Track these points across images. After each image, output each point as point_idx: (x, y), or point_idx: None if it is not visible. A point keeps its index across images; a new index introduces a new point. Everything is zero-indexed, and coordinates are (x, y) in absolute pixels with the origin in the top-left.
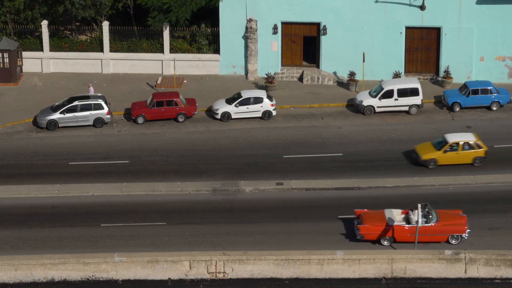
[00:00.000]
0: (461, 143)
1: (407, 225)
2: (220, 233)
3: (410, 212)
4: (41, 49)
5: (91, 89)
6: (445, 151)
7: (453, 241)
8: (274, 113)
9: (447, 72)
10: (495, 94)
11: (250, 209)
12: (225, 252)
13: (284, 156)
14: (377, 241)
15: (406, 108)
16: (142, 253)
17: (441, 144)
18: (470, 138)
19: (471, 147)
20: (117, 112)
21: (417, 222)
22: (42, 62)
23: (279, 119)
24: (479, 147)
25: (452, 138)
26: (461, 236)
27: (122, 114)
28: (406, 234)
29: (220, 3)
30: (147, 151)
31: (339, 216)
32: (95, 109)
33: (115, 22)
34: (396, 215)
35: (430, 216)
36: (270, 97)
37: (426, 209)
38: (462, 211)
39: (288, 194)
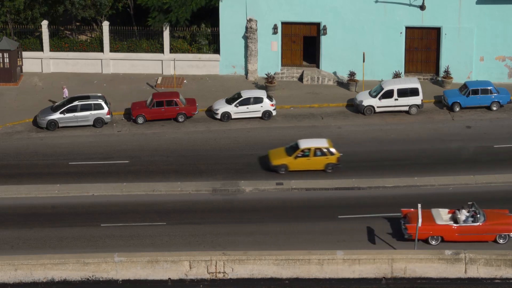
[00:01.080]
0: (313, 149)
1: (455, 225)
2: (220, 233)
3: (457, 211)
4: (41, 49)
5: (65, 91)
6: (296, 157)
7: (501, 241)
8: (274, 113)
9: (447, 72)
10: (495, 94)
11: (250, 209)
12: (225, 252)
13: None
14: (425, 241)
15: (406, 108)
16: (142, 253)
17: (293, 150)
18: (322, 144)
19: (323, 153)
20: (117, 112)
21: (417, 222)
22: (42, 62)
23: (279, 119)
24: (331, 153)
25: (304, 144)
26: (509, 235)
27: (122, 114)
28: (454, 233)
29: (220, 3)
30: (147, 151)
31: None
32: (95, 109)
33: (115, 22)
34: (443, 214)
35: (478, 216)
36: (270, 97)
37: (473, 209)
38: (508, 210)
39: (288, 194)
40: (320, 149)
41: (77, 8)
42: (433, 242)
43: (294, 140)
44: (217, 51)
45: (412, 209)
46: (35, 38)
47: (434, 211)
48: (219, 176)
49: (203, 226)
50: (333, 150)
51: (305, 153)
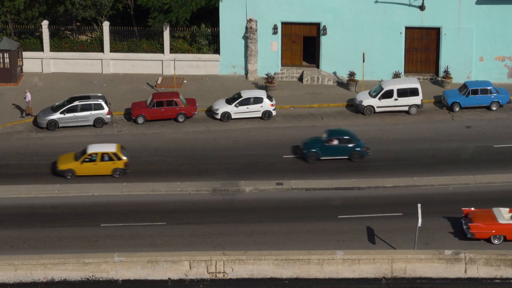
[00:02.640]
0: (100, 153)
1: None
2: (220, 233)
3: None
4: (42, 49)
5: (28, 95)
6: (82, 162)
7: None
8: (274, 113)
9: (446, 72)
10: (495, 94)
11: (250, 209)
12: (225, 252)
13: (284, 156)
14: (487, 240)
15: (406, 108)
16: (142, 253)
17: (81, 154)
18: (110, 149)
19: (110, 158)
20: (117, 112)
21: (417, 221)
22: (43, 62)
23: (279, 119)
24: (119, 158)
25: (91, 148)
26: None
27: (122, 114)
28: None
29: (220, 3)
30: (147, 151)
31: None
32: (95, 109)
33: (116, 22)
34: (504, 213)
35: None
36: (270, 97)
37: None
38: None
39: (288, 194)
40: (107, 154)
41: (78, 8)
42: (496, 241)
43: (294, 140)
44: (217, 51)
45: (473, 208)
46: (35, 38)
47: (495, 210)
48: (219, 176)
49: (203, 226)
50: (121, 155)
51: (92, 158)
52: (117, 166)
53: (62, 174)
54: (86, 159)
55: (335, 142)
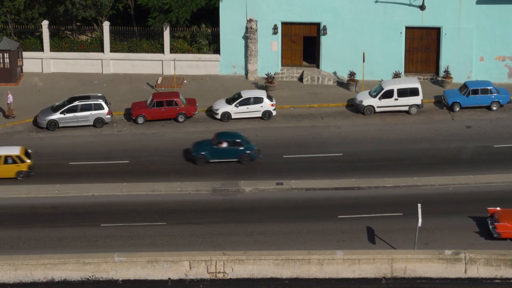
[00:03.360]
0: (3, 156)
1: None
2: (220, 233)
3: None
4: (42, 49)
5: (10, 96)
6: None
7: None
8: (274, 113)
9: (447, 72)
10: (495, 94)
11: (250, 209)
12: (225, 252)
13: (284, 156)
14: None
15: (406, 108)
16: (142, 253)
17: None
18: (14, 152)
19: (14, 161)
20: (117, 112)
21: (417, 221)
22: (43, 62)
23: (279, 119)
24: (22, 161)
25: None
26: None
27: (122, 114)
28: None
29: (220, 3)
30: (147, 151)
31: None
32: (95, 109)
33: (116, 22)
34: None
35: None
36: (270, 97)
37: None
38: None
39: (288, 194)
40: (11, 157)
41: (78, 8)
42: None
43: (294, 140)
44: (217, 51)
45: (498, 208)
46: (35, 38)
47: None
48: (219, 176)
49: (203, 226)
50: (25, 158)
51: None
52: (20, 169)
53: None
54: None
55: (224, 144)
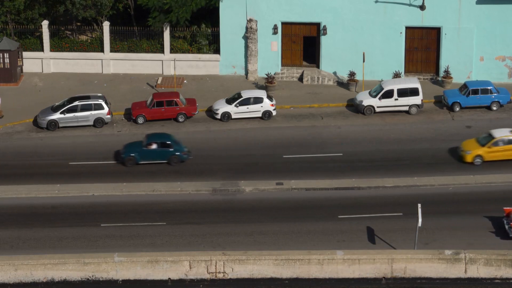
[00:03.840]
0: None
1: None
2: (220, 233)
3: None
4: (42, 49)
5: None
6: None
7: None
8: (274, 113)
9: (447, 72)
10: (495, 94)
11: (250, 209)
12: (225, 252)
13: (284, 156)
14: None
15: (406, 108)
16: (142, 253)
17: None
18: None
19: None
20: (117, 112)
21: (417, 221)
22: (43, 62)
23: (279, 119)
24: None
25: None
26: None
27: (122, 114)
28: None
29: (220, 3)
30: None
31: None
32: (95, 109)
33: (116, 23)
34: None
35: None
36: (270, 97)
37: None
38: None
39: (288, 194)
40: None
41: (78, 8)
42: None
43: (294, 140)
44: (217, 51)
45: None
46: (35, 38)
47: None
48: (219, 176)
49: (203, 226)
50: None
51: None
52: None
53: None
54: None
55: (154, 146)
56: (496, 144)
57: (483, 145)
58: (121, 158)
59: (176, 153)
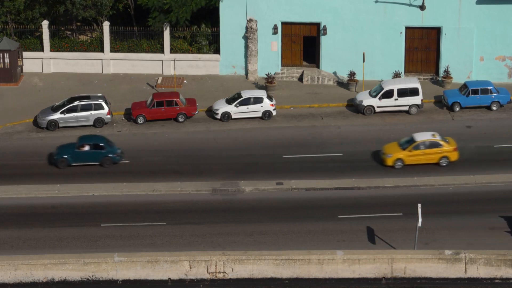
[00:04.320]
0: None
1: None
2: (220, 233)
3: None
4: (42, 49)
5: None
6: None
7: None
8: (274, 113)
9: (447, 72)
10: (495, 94)
11: (250, 209)
12: (225, 252)
13: (284, 156)
14: None
15: (406, 108)
16: (142, 253)
17: None
18: None
19: None
20: (117, 112)
21: (417, 221)
22: (43, 62)
23: (279, 119)
24: None
25: None
26: None
27: (122, 114)
28: None
29: (220, 3)
30: (147, 151)
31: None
32: (95, 109)
33: (116, 23)
34: None
35: None
36: (270, 97)
37: None
38: None
39: (288, 194)
40: None
41: (78, 8)
42: None
43: (294, 140)
44: (217, 51)
45: None
46: (35, 38)
47: None
48: (219, 176)
49: (203, 226)
50: None
51: None
52: None
53: None
54: None
55: (86, 148)
56: (417, 147)
57: (404, 149)
58: (54, 160)
59: (109, 155)
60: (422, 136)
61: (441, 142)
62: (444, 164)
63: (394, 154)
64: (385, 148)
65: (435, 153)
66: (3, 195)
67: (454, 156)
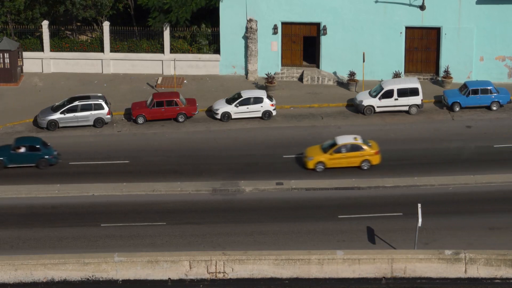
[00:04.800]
0: None
1: None
2: (220, 233)
3: None
4: (42, 49)
5: None
6: None
7: None
8: (274, 113)
9: (447, 72)
10: (495, 94)
11: (250, 209)
12: (225, 252)
13: (284, 156)
14: None
15: (406, 108)
16: (142, 253)
17: None
18: None
19: None
20: (117, 112)
21: (417, 221)
22: (43, 62)
23: (279, 119)
24: None
25: None
26: None
27: (122, 114)
28: None
29: (220, 3)
30: (147, 151)
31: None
32: (95, 109)
33: (116, 23)
34: None
35: None
36: (270, 97)
37: None
38: None
39: (288, 194)
40: None
41: (78, 8)
42: None
43: (294, 140)
44: (217, 51)
45: None
46: (35, 38)
47: None
48: (219, 176)
49: (203, 226)
50: None
51: None
52: None
53: None
54: None
55: (22, 149)
56: (338, 150)
57: (325, 152)
58: None
59: (45, 157)
60: (343, 139)
61: (363, 146)
62: (365, 168)
63: (316, 157)
64: (307, 151)
65: (356, 156)
66: (3, 195)
67: (375, 160)
